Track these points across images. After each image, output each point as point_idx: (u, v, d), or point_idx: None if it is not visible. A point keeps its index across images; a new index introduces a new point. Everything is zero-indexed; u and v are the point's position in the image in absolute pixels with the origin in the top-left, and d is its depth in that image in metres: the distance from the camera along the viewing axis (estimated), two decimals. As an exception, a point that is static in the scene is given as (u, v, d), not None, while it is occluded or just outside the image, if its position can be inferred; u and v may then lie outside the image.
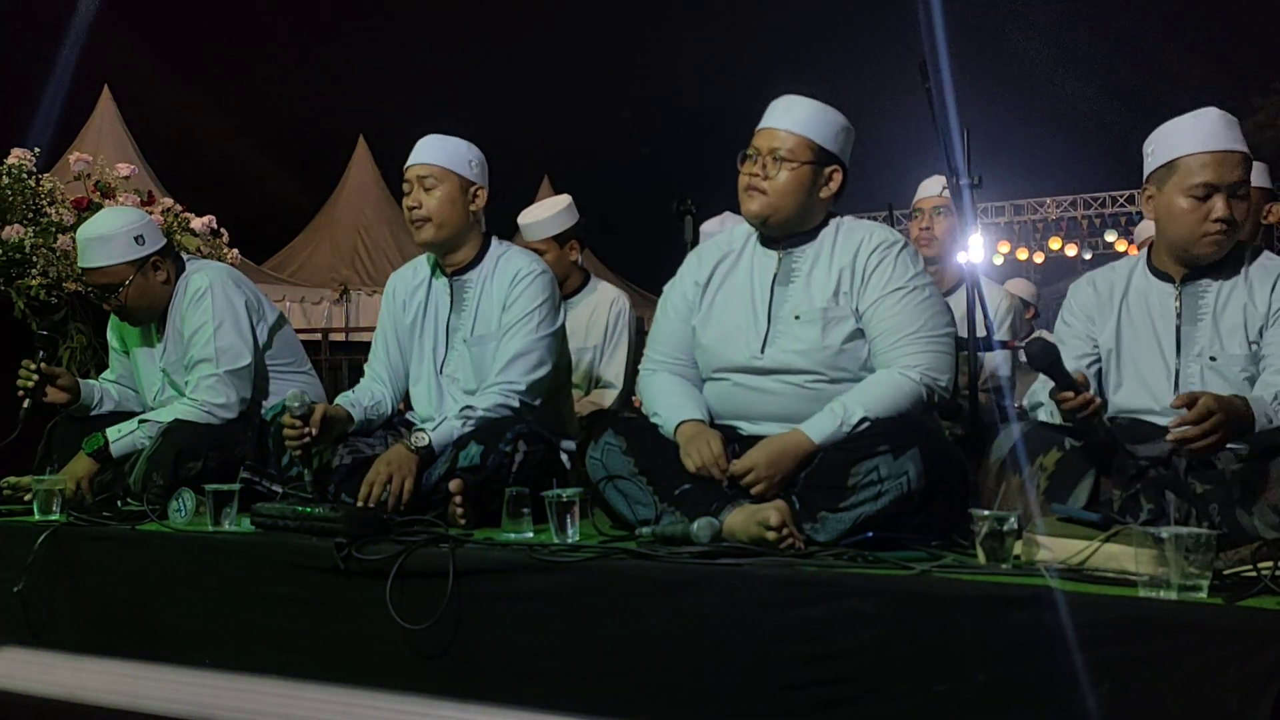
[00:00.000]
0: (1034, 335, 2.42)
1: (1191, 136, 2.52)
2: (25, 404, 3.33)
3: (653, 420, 2.76)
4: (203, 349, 3.37)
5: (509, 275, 3.12)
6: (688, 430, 2.65)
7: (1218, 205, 2.48)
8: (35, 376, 3.36)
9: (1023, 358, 3.89)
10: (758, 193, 2.71)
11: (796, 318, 2.69)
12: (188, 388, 3.39)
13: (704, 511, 2.45)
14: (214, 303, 3.40)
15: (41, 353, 3.43)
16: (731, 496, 2.49)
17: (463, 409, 2.96)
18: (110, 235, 3.37)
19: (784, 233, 2.75)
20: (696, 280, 2.87)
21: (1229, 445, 2.33)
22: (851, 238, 2.73)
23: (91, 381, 3.61)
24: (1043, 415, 2.59)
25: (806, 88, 2.83)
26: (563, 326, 3.21)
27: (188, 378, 3.40)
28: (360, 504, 2.79)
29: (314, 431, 2.89)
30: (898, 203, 6.07)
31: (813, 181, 2.71)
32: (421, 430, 2.92)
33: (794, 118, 2.72)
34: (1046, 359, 2.36)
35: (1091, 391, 2.42)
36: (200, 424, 3.27)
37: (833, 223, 2.77)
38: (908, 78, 3.28)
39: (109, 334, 3.70)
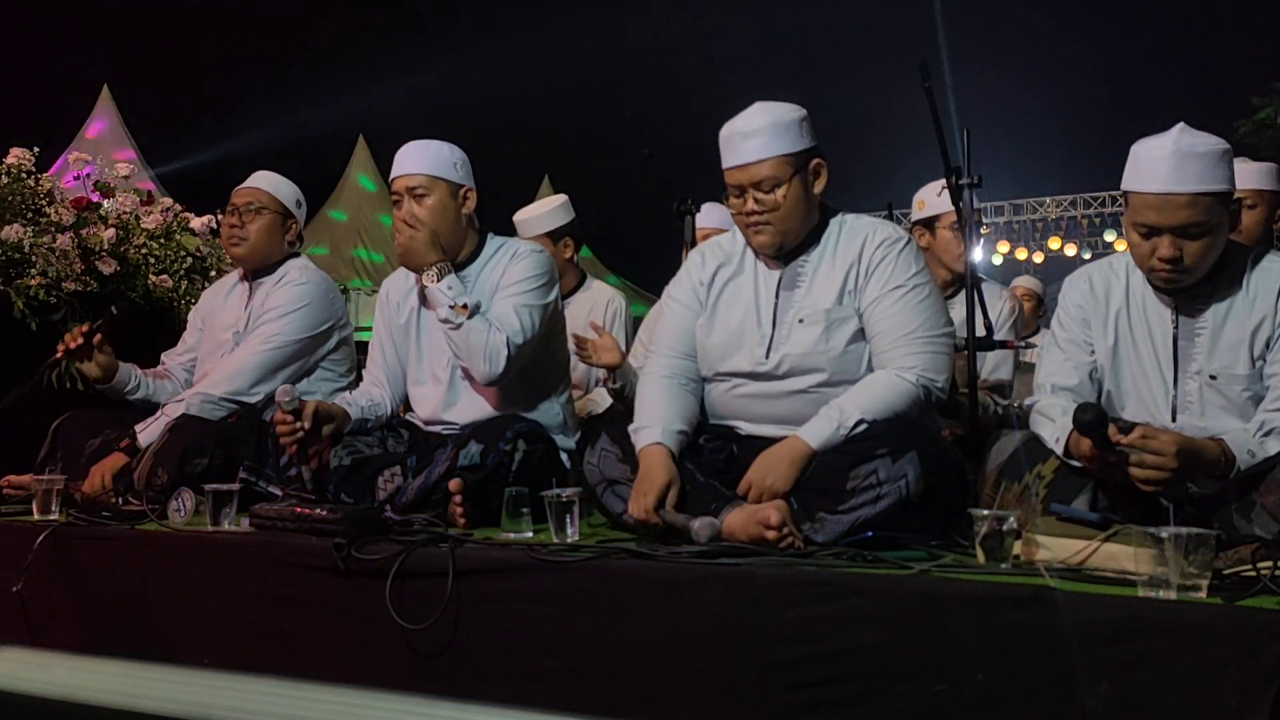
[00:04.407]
0: (1085, 404, 2.36)
1: (1141, 172, 2.40)
2: (60, 362, 3.37)
3: (630, 434, 2.70)
4: (264, 326, 3.46)
5: (507, 257, 3.11)
6: (646, 459, 2.60)
7: (1161, 246, 2.38)
8: (81, 340, 3.39)
9: (1022, 357, 3.89)
10: (764, 225, 2.67)
11: (800, 321, 2.67)
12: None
13: (702, 512, 2.45)
14: (299, 295, 3.50)
15: (101, 320, 3.50)
16: (730, 497, 2.49)
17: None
18: (284, 180, 3.68)
19: (794, 245, 2.73)
20: (701, 280, 2.84)
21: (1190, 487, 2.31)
22: (855, 236, 2.71)
23: (131, 367, 3.62)
24: (1044, 434, 2.52)
25: (807, 87, 2.81)
26: (556, 309, 3.17)
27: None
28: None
29: (306, 426, 2.88)
30: (898, 202, 6.07)
31: (805, 188, 2.68)
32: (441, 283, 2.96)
33: (757, 144, 2.64)
34: (1099, 426, 2.27)
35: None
36: (207, 420, 3.28)
37: (834, 222, 2.75)
38: (908, 77, 3.27)
39: (192, 313, 3.85)
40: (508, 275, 3.06)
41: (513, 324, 2.96)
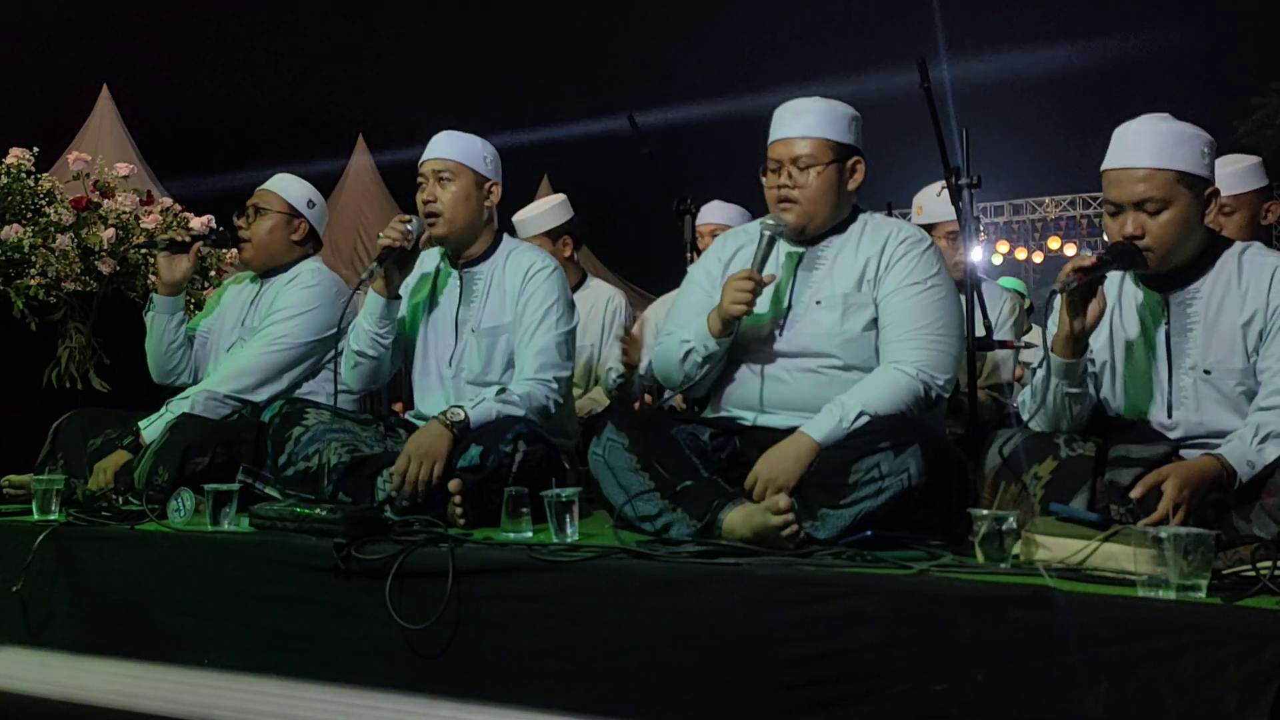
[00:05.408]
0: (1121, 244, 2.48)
1: (1110, 150, 2.45)
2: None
3: (683, 346, 2.75)
4: (271, 326, 3.45)
5: (521, 270, 3.14)
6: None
7: (1126, 223, 2.40)
8: (188, 238, 3.64)
9: (1022, 357, 3.89)
10: (792, 204, 2.73)
11: (818, 303, 2.72)
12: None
13: (705, 509, 2.46)
14: (308, 298, 3.49)
15: (215, 231, 3.87)
16: (732, 495, 2.49)
17: (499, 391, 2.97)
18: (296, 181, 3.68)
19: (819, 233, 2.77)
20: (719, 257, 2.90)
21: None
22: (880, 231, 2.77)
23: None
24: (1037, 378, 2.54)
25: (806, 86, 2.84)
26: (575, 326, 3.23)
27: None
28: (395, 492, 2.82)
29: (411, 244, 3.01)
30: (897, 202, 6.08)
31: (839, 179, 2.75)
32: (459, 407, 2.91)
33: (806, 122, 2.73)
34: (1129, 258, 2.40)
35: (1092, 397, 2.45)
36: (208, 419, 3.28)
37: (861, 218, 2.82)
38: (907, 77, 3.28)
39: (212, 296, 3.90)
40: (533, 301, 3.09)
41: (554, 358, 3.05)
